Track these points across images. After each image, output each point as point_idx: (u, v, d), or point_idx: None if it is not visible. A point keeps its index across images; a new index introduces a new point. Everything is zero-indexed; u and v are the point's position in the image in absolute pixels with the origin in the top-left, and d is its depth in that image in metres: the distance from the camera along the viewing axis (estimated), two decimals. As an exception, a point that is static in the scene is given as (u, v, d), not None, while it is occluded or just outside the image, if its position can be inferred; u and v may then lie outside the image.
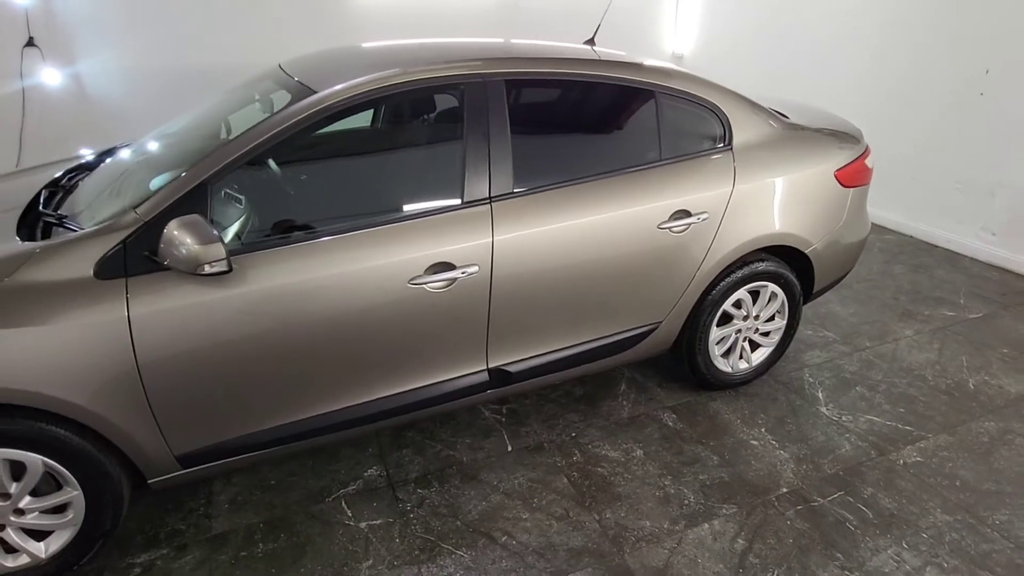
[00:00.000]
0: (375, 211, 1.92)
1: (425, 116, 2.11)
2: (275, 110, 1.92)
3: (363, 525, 2.05)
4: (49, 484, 1.75)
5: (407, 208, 1.95)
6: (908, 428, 2.52)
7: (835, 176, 2.56)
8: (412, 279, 1.91)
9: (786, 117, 2.66)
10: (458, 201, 1.99)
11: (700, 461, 2.34)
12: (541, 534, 2.02)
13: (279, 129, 1.80)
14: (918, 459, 2.35)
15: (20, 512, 1.74)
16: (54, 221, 1.86)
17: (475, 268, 1.98)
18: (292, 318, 1.80)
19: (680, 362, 2.65)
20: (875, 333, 3.21)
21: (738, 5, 5.66)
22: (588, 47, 2.62)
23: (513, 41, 2.53)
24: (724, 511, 2.11)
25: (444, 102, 2.05)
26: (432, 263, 1.93)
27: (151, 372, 1.70)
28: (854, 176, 2.62)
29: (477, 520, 2.07)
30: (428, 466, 2.30)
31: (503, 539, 2.00)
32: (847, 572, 1.89)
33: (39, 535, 1.80)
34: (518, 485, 2.21)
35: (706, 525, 2.05)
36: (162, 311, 1.67)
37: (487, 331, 2.10)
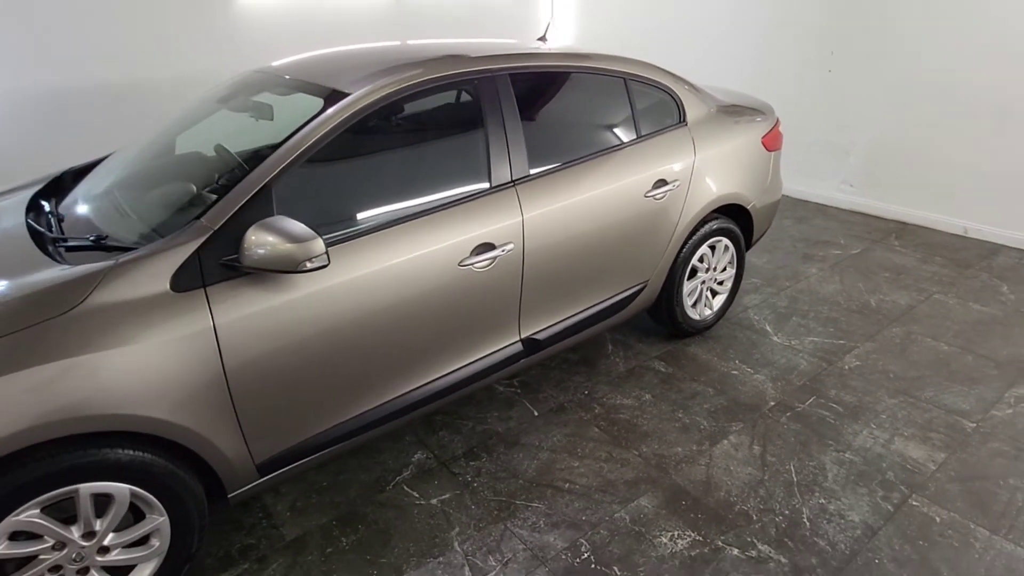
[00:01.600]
0: (421, 201, 2.04)
1: (452, 110, 2.24)
2: (303, 112, 1.97)
3: (434, 501, 2.15)
4: (126, 515, 1.68)
5: (448, 196, 2.09)
6: (841, 342, 3.08)
7: (762, 142, 3.05)
8: (461, 261, 2.05)
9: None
10: (487, 185, 2.16)
11: (699, 394, 2.70)
12: (596, 475, 2.25)
13: (328, 129, 1.86)
14: (857, 363, 2.90)
15: (105, 550, 1.65)
16: (91, 243, 1.77)
17: (511, 246, 2.17)
18: (363, 308, 1.88)
19: (659, 317, 3.00)
20: (789, 275, 3.81)
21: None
22: (539, 42, 2.88)
23: (470, 41, 2.71)
24: (734, 428, 2.48)
25: (465, 97, 2.21)
26: (476, 244, 2.08)
27: (237, 378, 1.70)
28: (773, 141, 3.13)
29: (536, 476, 2.25)
30: (469, 441, 2.43)
31: (566, 486, 2.21)
32: (842, 453, 2.33)
33: (120, 572, 1.72)
34: (557, 441, 2.43)
35: (725, 441, 2.41)
36: (245, 316, 1.68)
37: (520, 303, 2.29)
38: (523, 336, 2.37)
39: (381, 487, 2.22)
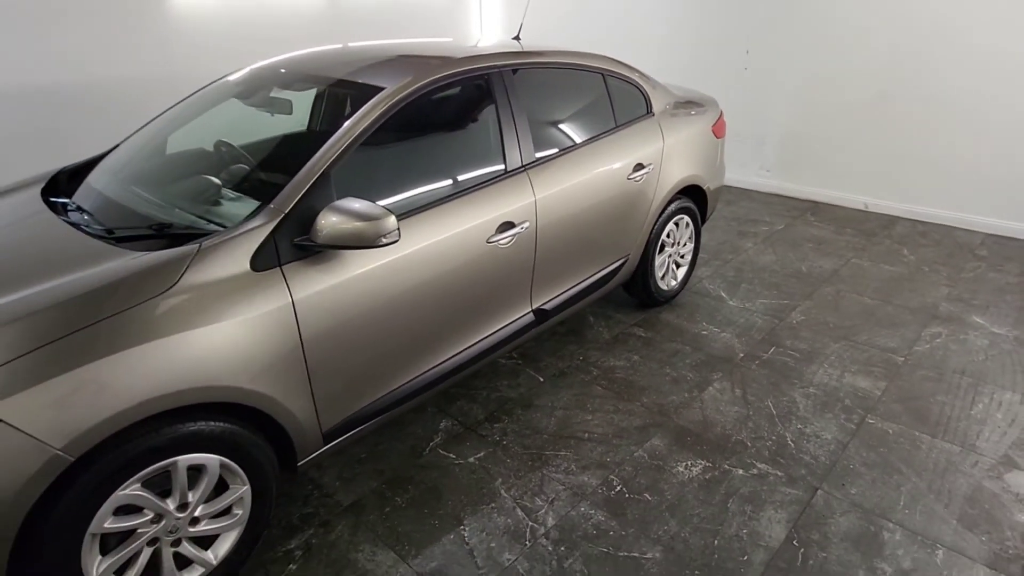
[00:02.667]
0: (452, 183, 2.23)
1: (470, 101, 2.43)
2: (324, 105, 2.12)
3: (471, 460, 2.35)
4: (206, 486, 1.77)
5: (473, 178, 2.29)
6: (786, 302, 3.55)
7: (712, 130, 3.46)
8: (488, 238, 2.27)
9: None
10: (503, 169, 2.39)
11: (679, 352, 3.05)
12: (609, 425, 2.54)
13: (372, 119, 2.02)
14: (802, 318, 3.37)
15: (195, 521, 1.74)
16: (153, 231, 1.83)
17: (527, 224, 2.41)
18: (412, 282, 2.05)
19: (634, 289, 3.34)
20: (730, 249, 4.29)
21: None
22: (514, 41, 3.13)
23: (448, 40, 2.92)
24: (715, 377, 2.85)
25: (481, 90, 2.41)
26: (500, 223, 2.31)
27: (313, 350, 1.83)
28: (721, 129, 3.55)
29: (557, 430, 2.51)
30: (487, 408, 2.65)
31: (585, 436, 2.47)
32: (807, 389, 2.76)
33: (205, 543, 1.81)
34: (567, 401, 2.69)
35: (710, 388, 2.77)
36: (319, 292, 1.82)
37: (532, 277, 2.54)
38: (534, 307, 2.61)
39: (418, 453, 2.39)
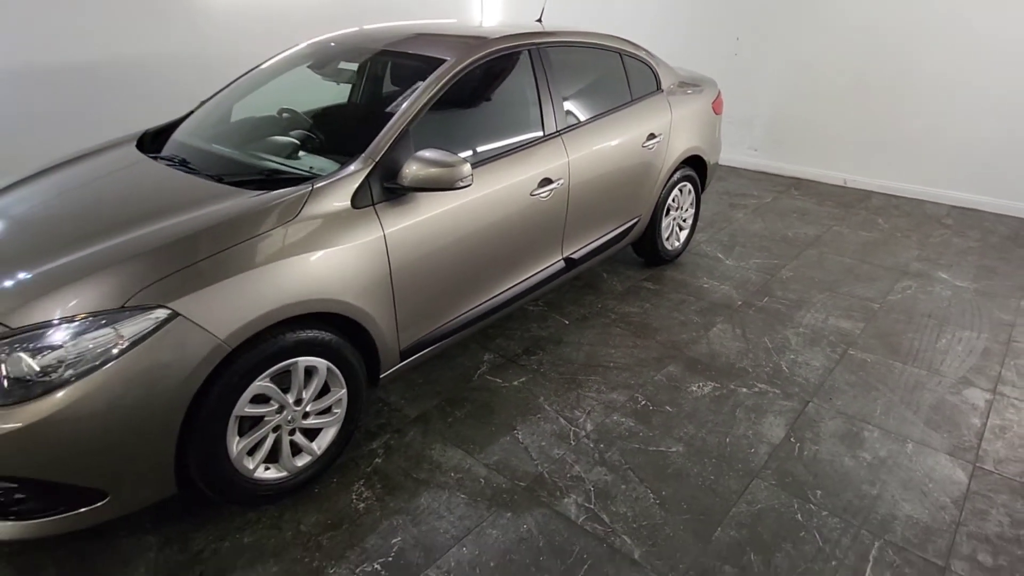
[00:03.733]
0: (503, 143, 2.60)
1: (515, 73, 2.78)
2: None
3: (515, 383, 2.73)
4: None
5: (519, 140, 2.66)
6: (775, 261, 3.98)
7: (712, 107, 3.87)
8: (531, 191, 2.64)
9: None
10: (541, 134, 2.76)
11: (685, 301, 3.46)
12: (630, 356, 2.93)
13: (439, 86, 2.38)
14: (791, 274, 3.80)
15: (305, 416, 2.09)
16: (265, 177, 2.18)
17: (562, 181, 2.78)
18: (474, 225, 2.42)
19: (642, 248, 3.74)
20: (723, 219, 4.71)
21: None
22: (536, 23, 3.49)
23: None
24: (718, 320, 3.26)
25: (521, 64, 2.77)
26: (541, 179, 2.68)
27: (399, 277, 2.19)
28: (719, 107, 3.96)
29: (585, 361, 2.90)
30: (523, 344, 3.02)
31: (611, 364, 2.87)
32: (797, 328, 3.18)
33: (311, 435, 2.16)
34: (592, 339, 3.08)
35: (714, 328, 3.18)
36: (404, 227, 2.18)
37: (564, 228, 2.91)
38: (564, 255, 2.99)
39: (468, 378, 2.77)
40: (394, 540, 1.96)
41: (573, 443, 2.38)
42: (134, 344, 1.64)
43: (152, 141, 2.75)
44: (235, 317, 1.77)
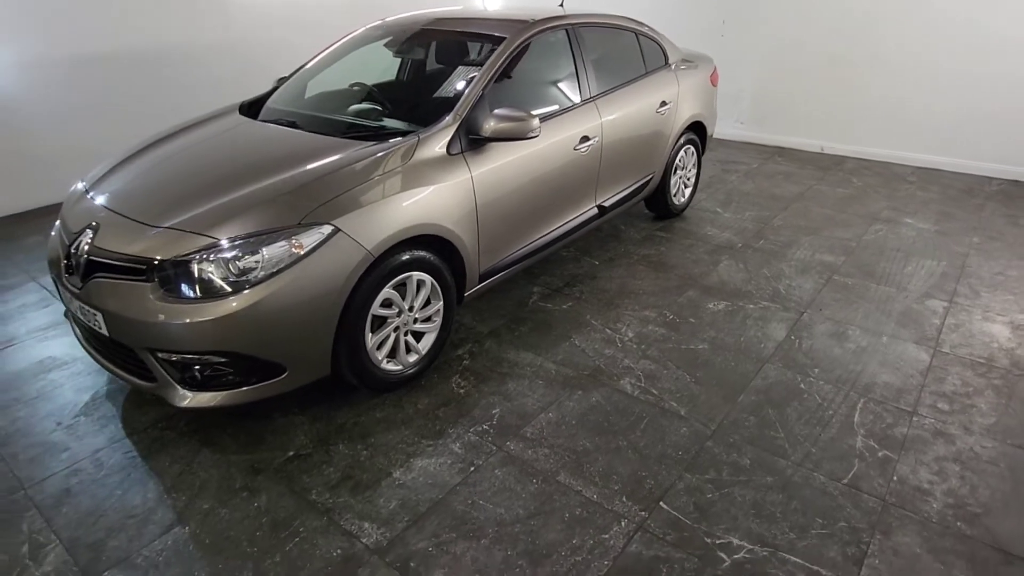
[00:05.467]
0: (553, 106, 3.15)
1: (558, 47, 3.33)
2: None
3: (564, 307, 3.30)
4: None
5: (564, 103, 3.22)
6: (767, 213, 4.60)
7: (710, 79, 4.45)
8: (574, 147, 3.20)
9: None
10: (579, 99, 3.31)
11: (694, 245, 4.06)
12: (655, 285, 3.52)
13: (504, 57, 2.92)
14: (780, 223, 4.42)
15: (415, 321, 2.63)
16: (374, 131, 2.70)
17: (597, 139, 3.34)
18: (537, 171, 2.98)
19: (653, 203, 4.32)
20: (718, 181, 5.32)
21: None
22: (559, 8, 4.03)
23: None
24: (723, 258, 3.86)
25: (560, 40, 3.32)
26: (581, 136, 3.24)
27: (482, 211, 2.74)
28: (715, 80, 4.55)
29: (618, 290, 3.47)
30: (563, 279, 3.59)
31: (640, 292, 3.45)
32: (791, 262, 3.80)
33: (417, 338, 2.70)
34: (621, 274, 3.66)
35: (721, 264, 3.78)
36: (486, 171, 2.73)
37: (597, 180, 3.47)
38: (597, 203, 3.56)
39: (524, 305, 3.32)
40: (494, 411, 2.52)
41: (620, 345, 2.95)
42: (309, 253, 2.17)
43: (248, 110, 3.25)
44: (376, 234, 2.30)
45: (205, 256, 2.10)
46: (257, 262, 2.12)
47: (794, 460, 2.26)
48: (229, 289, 2.09)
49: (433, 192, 2.52)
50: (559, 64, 3.33)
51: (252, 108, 3.26)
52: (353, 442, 2.37)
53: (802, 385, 2.67)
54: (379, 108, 3.11)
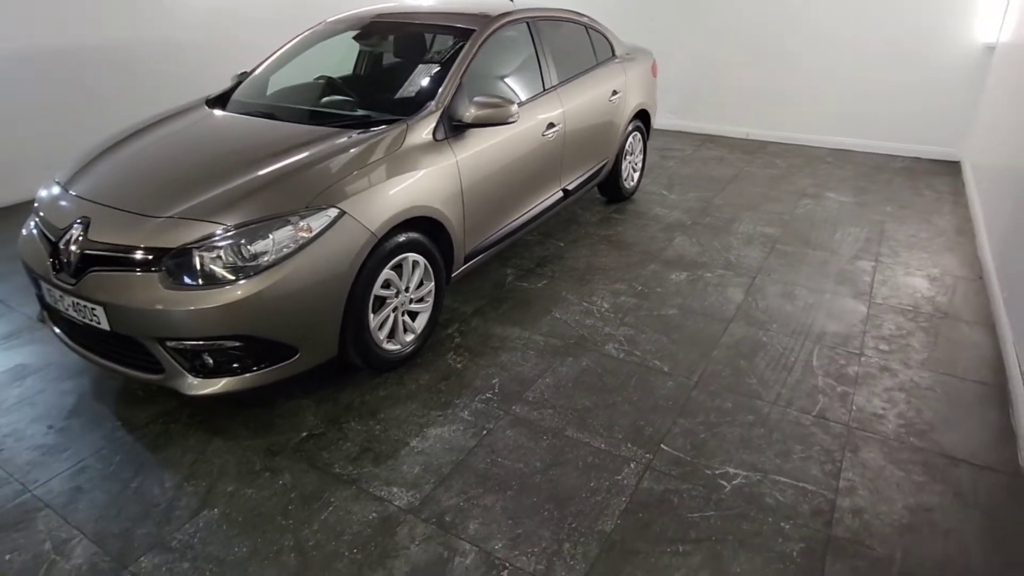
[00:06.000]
0: (522, 93, 3.32)
1: (521, 38, 3.48)
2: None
3: (539, 285, 3.48)
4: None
5: (530, 92, 3.39)
6: (708, 194, 4.96)
7: (651, 70, 4.76)
8: (543, 132, 3.39)
9: (617, 42, 4.72)
10: (542, 88, 3.50)
11: (647, 225, 4.34)
12: (619, 262, 3.76)
13: (476, 47, 3.06)
14: (721, 201, 4.79)
15: (409, 302, 2.74)
16: (359, 119, 2.77)
17: (561, 126, 3.54)
18: (508, 159, 3.14)
19: (606, 188, 4.58)
20: (659, 168, 5.66)
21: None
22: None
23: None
24: (676, 234, 4.17)
25: (522, 32, 3.49)
26: (548, 123, 3.43)
27: (467, 193, 2.87)
28: (655, 70, 4.86)
29: (586, 268, 3.69)
30: (533, 260, 3.77)
31: (606, 268, 3.68)
32: (736, 235, 4.14)
33: (412, 318, 2.80)
34: (585, 253, 3.88)
35: (675, 240, 4.08)
36: (469, 156, 2.87)
37: (561, 164, 3.68)
38: (562, 187, 3.76)
39: (501, 285, 3.48)
40: (493, 381, 2.67)
41: (598, 316, 3.17)
42: (318, 235, 2.24)
43: (215, 105, 3.22)
44: (378, 216, 2.40)
45: (215, 242, 2.13)
46: (267, 246, 2.17)
47: (768, 400, 2.54)
48: (241, 274, 2.13)
49: (424, 176, 2.63)
50: (522, 55, 3.51)
51: (218, 102, 3.24)
52: (364, 419, 2.45)
53: (764, 338, 2.97)
54: (354, 99, 3.18)
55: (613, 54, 4.35)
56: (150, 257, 2.14)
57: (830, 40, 5.94)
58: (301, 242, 2.21)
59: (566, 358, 2.82)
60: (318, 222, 2.25)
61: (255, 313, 2.14)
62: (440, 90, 2.86)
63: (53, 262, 2.31)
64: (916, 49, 5.63)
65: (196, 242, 2.13)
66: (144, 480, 2.17)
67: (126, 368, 2.31)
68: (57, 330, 2.53)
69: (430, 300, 2.83)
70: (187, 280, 2.13)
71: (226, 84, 3.46)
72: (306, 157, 2.46)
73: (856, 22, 5.78)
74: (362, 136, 2.60)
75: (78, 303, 2.24)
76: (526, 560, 1.86)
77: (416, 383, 2.66)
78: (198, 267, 2.13)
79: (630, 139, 4.55)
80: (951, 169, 5.56)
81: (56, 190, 2.56)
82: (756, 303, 3.29)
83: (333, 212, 2.28)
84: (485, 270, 3.64)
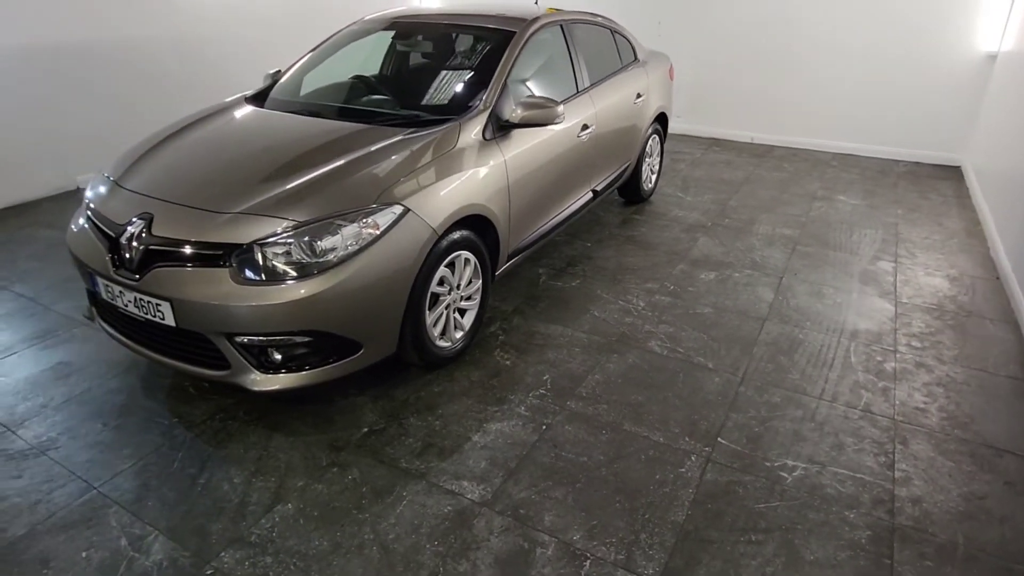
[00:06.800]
0: (559, 94, 3.36)
1: (557, 41, 3.53)
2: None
3: (573, 284, 3.53)
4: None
5: (566, 92, 3.44)
6: (723, 196, 5.05)
7: (668, 73, 4.84)
8: (578, 134, 3.44)
9: (637, 46, 4.80)
10: (575, 89, 3.55)
11: (668, 226, 4.42)
12: (648, 261, 3.82)
13: (517, 51, 3.10)
14: (736, 204, 4.88)
15: (460, 299, 2.77)
16: (412, 117, 2.80)
17: (594, 127, 3.60)
18: (548, 157, 3.18)
19: (626, 190, 4.65)
20: (671, 171, 5.75)
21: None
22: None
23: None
24: (699, 235, 4.24)
25: (557, 35, 3.53)
26: (583, 124, 3.48)
27: (513, 190, 2.91)
28: (672, 74, 4.95)
29: (616, 266, 3.75)
30: (564, 261, 3.82)
31: (636, 267, 3.74)
32: (756, 237, 4.23)
33: (461, 315, 2.83)
34: (613, 253, 3.94)
35: (699, 241, 4.15)
36: (515, 154, 2.91)
37: (592, 165, 3.73)
38: (592, 187, 3.82)
39: (536, 284, 3.52)
40: (544, 377, 2.71)
41: (636, 314, 3.22)
42: (385, 232, 2.26)
43: (253, 103, 3.22)
44: (438, 213, 2.43)
45: (285, 238, 2.15)
46: (336, 243, 2.18)
47: (814, 395, 2.62)
48: (311, 270, 2.14)
49: (476, 174, 2.67)
50: (557, 58, 3.55)
51: (256, 100, 3.24)
52: (422, 415, 2.47)
53: (800, 336, 3.05)
54: (394, 98, 3.20)
55: (635, 57, 4.42)
56: (219, 252, 2.15)
57: (834, 46, 6.09)
58: (368, 239, 2.23)
59: (612, 355, 2.87)
60: (384, 219, 2.27)
61: (324, 308, 2.16)
62: (487, 90, 2.90)
63: (113, 258, 2.30)
64: (919, 57, 5.79)
65: (268, 237, 2.14)
66: (211, 476, 2.17)
67: (188, 364, 2.31)
68: (107, 326, 2.52)
69: (477, 298, 2.86)
70: (260, 276, 2.13)
71: (240, 82, 3.47)
72: (364, 155, 2.48)
73: (860, 29, 5.94)
74: (416, 135, 2.63)
75: (141, 299, 2.23)
76: (606, 550, 1.90)
77: (468, 379, 2.69)
78: (271, 263, 2.13)
79: (649, 141, 4.62)
80: (952, 173, 5.73)
81: (109, 186, 2.55)
82: (787, 302, 3.38)
83: (398, 209, 2.30)
84: (518, 270, 3.68)
